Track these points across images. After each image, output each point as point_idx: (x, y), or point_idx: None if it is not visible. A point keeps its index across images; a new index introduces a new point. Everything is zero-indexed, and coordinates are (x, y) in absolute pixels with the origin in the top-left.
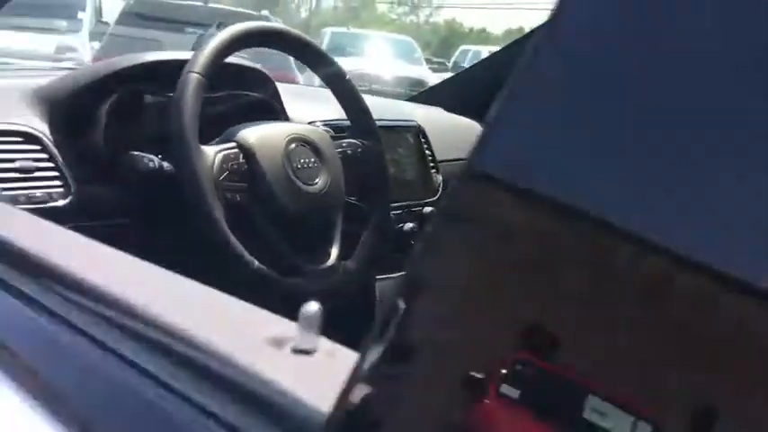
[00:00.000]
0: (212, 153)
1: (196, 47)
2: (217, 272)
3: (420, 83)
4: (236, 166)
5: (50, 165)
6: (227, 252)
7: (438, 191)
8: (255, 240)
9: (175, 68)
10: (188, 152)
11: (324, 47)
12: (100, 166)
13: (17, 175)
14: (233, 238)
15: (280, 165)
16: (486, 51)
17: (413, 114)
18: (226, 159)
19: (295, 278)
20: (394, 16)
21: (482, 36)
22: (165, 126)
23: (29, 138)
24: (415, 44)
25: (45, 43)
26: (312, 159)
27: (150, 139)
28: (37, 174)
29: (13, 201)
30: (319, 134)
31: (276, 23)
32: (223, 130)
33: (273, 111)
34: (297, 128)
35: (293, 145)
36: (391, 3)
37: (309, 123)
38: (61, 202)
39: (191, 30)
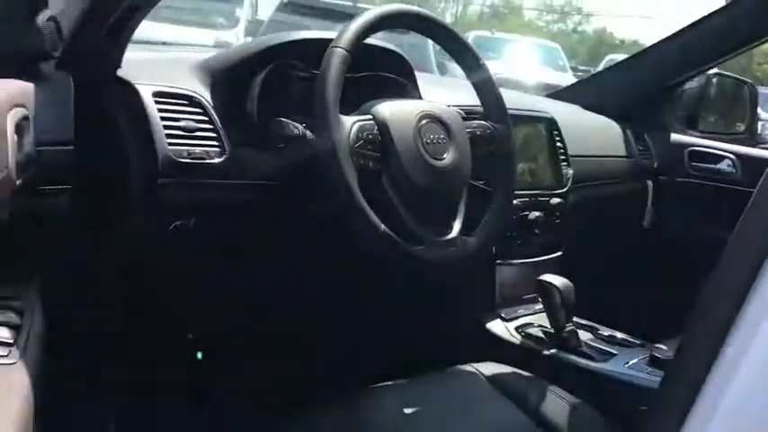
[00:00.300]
0: (350, 122)
1: None
2: (347, 233)
3: None
4: (370, 137)
5: (209, 126)
6: (356, 214)
7: (567, 184)
8: (382, 206)
9: (321, 46)
10: (328, 119)
11: None
12: (251, 131)
13: (181, 132)
14: (363, 202)
15: (410, 138)
16: None
17: (549, 108)
18: (361, 129)
19: (417, 246)
20: (541, 23)
21: (633, 48)
22: (309, 97)
23: (193, 101)
24: (560, 50)
25: (203, 38)
26: (441, 136)
27: (296, 109)
28: (197, 133)
29: (177, 154)
30: (450, 113)
31: (418, 8)
32: (360, 105)
33: (409, 93)
34: (429, 105)
35: (424, 121)
36: (539, 10)
37: None
38: (216, 161)
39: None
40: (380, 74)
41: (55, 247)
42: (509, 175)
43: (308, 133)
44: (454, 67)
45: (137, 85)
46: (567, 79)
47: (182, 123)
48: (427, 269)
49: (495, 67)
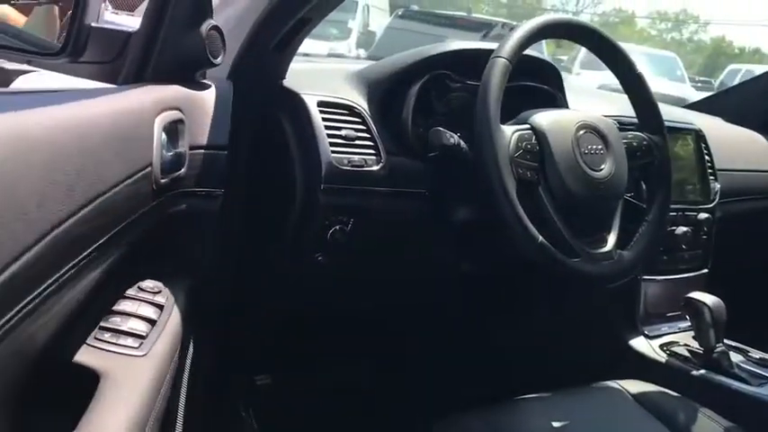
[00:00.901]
0: (509, 132)
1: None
2: (500, 242)
3: (682, 101)
4: (529, 146)
5: (367, 135)
6: (515, 225)
7: (715, 198)
8: (538, 217)
9: (477, 56)
10: (490, 129)
11: (578, 61)
12: (406, 140)
13: (342, 141)
14: (522, 212)
15: (569, 148)
16: (760, 71)
17: (692, 120)
18: (520, 139)
19: (572, 258)
20: (654, 32)
21: (755, 57)
22: (466, 108)
23: (353, 111)
24: (678, 60)
25: (317, 48)
26: (599, 146)
27: (449, 119)
28: (357, 142)
29: (338, 162)
30: (607, 124)
31: (577, 18)
32: (513, 114)
33: (558, 103)
34: (587, 116)
35: (582, 131)
36: (652, 18)
37: None
38: (374, 168)
39: (466, 30)
40: (532, 84)
41: (207, 249)
42: (665, 188)
43: (463, 143)
44: (565, 77)
45: (303, 95)
46: (685, 90)
47: (343, 132)
48: (582, 282)
49: (612, 78)
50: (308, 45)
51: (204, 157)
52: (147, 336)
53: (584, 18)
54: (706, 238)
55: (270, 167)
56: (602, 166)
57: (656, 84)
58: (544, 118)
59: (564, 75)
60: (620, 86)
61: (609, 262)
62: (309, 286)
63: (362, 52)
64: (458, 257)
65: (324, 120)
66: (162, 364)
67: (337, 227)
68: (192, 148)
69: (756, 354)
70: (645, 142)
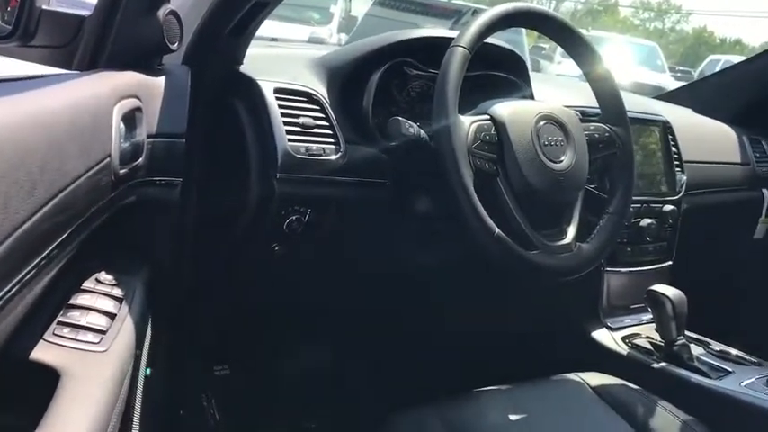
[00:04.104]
0: (468, 123)
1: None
2: (459, 234)
3: (661, 91)
4: (487, 137)
5: (326, 124)
6: (471, 217)
7: (681, 190)
8: (496, 209)
9: (439, 44)
10: (448, 119)
11: (559, 49)
12: (366, 129)
13: (300, 129)
14: (478, 204)
15: (528, 139)
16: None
17: (661, 111)
18: (479, 129)
19: (530, 251)
20: (637, 21)
21: (735, 48)
22: (426, 97)
23: (311, 98)
24: (659, 50)
25: (298, 33)
26: (560, 138)
27: (411, 108)
28: (315, 130)
29: (295, 150)
30: (568, 115)
31: (538, 6)
32: (475, 104)
33: (522, 93)
34: (547, 106)
35: (543, 122)
36: (635, 8)
37: None
38: (332, 157)
39: (441, 18)
40: (495, 73)
41: (164, 239)
42: (627, 180)
43: (423, 132)
44: (545, 66)
45: (259, 82)
46: (665, 80)
47: (300, 120)
48: (539, 274)
49: None
50: (288, 30)
51: (162, 145)
52: (107, 330)
53: (567, 6)
54: (671, 230)
55: (226, 156)
56: (562, 158)
57: (636, 73)
58: (504, 108)
59: (545, 63)
60: None
61: (567, 254)
62: (266, 277)
63: (344, 37)
64: (418, 249)
65: (281, 107)
66: (123, 358)
67: (294, 217)
68: (149, 136)
69: (717, 346)
70: (607, 134)
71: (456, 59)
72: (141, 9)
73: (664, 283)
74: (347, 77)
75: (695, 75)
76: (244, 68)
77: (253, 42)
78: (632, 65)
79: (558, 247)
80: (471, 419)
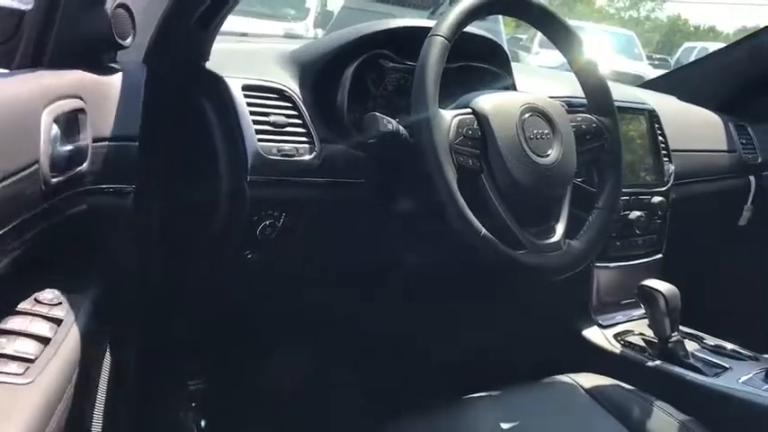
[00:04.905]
0: (449, 117)
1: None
2: (444, 233)
3: (640, 79)
4: (470, 132)
5: (299, 122)
6: (455, 216)
7: (669, 181)
8: (481, 207)
9: (416, 35)
10: (428, 114)
11: (536, 39)
12: (342, 126)
13: (271, 128)
14: (463, 203)
15: (513, 133)
16: (714, 49)
17: (646, 99)
18: (461, 124)
19: (518, 250)
20: (612, 11)
21: (709, 35)
22: (404, 91)
23: (283, 95)
24: (636, 39)
25: (273, 29)
26: (545, 131)
27: (388, 102)
28: (287, 129)
29: (266, 151)
30: (554, 106)
31: None
32: (455, 97)
33: (505, 84)
34: (532, 98)
35: (527, 114)
36: None
37: None
38: (306, 157)
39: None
40: (475, 64)
41: (120, 250)
42: (616, 173)
43: (401, 128)
44: (523, 57)
45: (226, 78)
46: (643, 68)
47: (271, 118)
48: (528, 275)
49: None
50: (262, 27)
51: (111, 150)
52: (35, 359)
53: None
54: (660, 222)
55: (192, 158)
56: (549, 152)
57: (615, 61)
58: (487, 101)
59: (523, 54)
60: None
61: (557, 253)
62: (240, 284)
63: (321, 32)
64: (401, 249)
65: (250, 105)
66: (52, 389)
67: (267, 222)
68: (96, 140)
69: (711, 341)
70: (594, 125)
71: (435, 50)
72: (86, 2)
73: (654, 277)
74: (320, 72)
75: (672, 62)
76: (210, 65)
77: (220, 37)
78: (610, 54)
79: (547, 246)
80: (463, 429)
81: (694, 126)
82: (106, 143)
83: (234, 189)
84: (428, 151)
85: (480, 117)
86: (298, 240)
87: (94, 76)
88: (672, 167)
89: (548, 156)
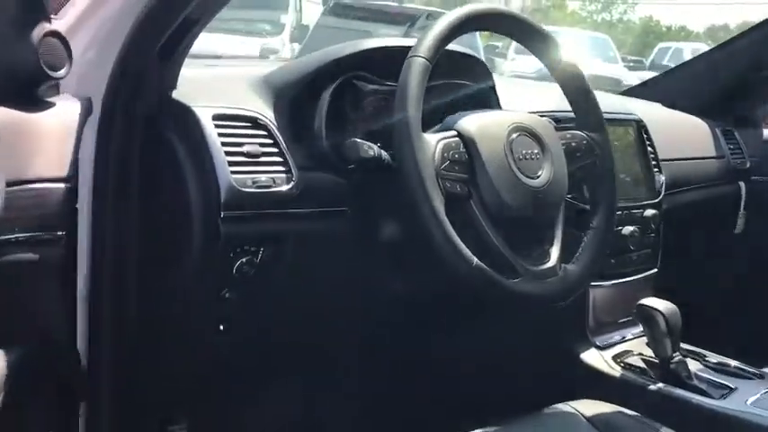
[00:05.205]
0: (434, 141)
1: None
2: (433, 266)
3: (617, 82)
4: (456, 156)
5: (275, 150)
6: (445, 246)
7: (660, 192)
8: (471, 234)
9: (395, 55)
10: (411, 139)
11: (512, 46)
12: (321, 153)
13: (245, 159)
14: (453, 232)
15: (501, 155)
16: (688, 49)
17: (632, 109)
18: (446, 148)
19: (512, 278)
20: (585, 14)
21: (681, 35)
22: (384, 113)
23: (256, 123)
24: (611, 41)
25: (250, 45)
26: (535, 150)
27: (369, 127)
28: (262, 159)
29: (241, 183)
30: (542, 124)
31: (502, 7)
32: (438, 118)
33: (488, 101)
34: (519, 117)
35: (515, 134)
36: (582, 1)
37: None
38: (284, 188)
39: (394, 24)
40: (457, 81)
41: (53, 305)
42: (609, 190)
43: (384, 153)
44: (499, 63)
45: (194, 108)
46: (619, 71)
47: (245, 148)
48: (525, 304)
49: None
50: (239, 43)
51: (33, 194)
52: None
53: (516, 4)
54: (654, 235)
55: (159, 197)
56: (540, 173)
57: (591, 65)
58: (472, 122)
59: (499, 61)
60: None
61: (553, 279)
62: (218, 324)
63: (297, 47)
64: (388, 279)
65: (221, 135)
66: None
67: (245, 259)
68: (11, 184)
69: (713, 358)
70: (584, 141)
71: (415, 71)
72: (9, 31)
73: (650, 293)
74: (295, 97)
75: (647, 63)
76: (177, 94)
77: (189, 62)
78: (586, 57)
79: (543, 272)
80: None
81: (681, 133)
82: (28, 186)
83: (207, 226)
84: (413, 178)
85: (466, 140)
86: (278, 276)
87: (14, 112)
88: (662, 178)
89: (538, 177)
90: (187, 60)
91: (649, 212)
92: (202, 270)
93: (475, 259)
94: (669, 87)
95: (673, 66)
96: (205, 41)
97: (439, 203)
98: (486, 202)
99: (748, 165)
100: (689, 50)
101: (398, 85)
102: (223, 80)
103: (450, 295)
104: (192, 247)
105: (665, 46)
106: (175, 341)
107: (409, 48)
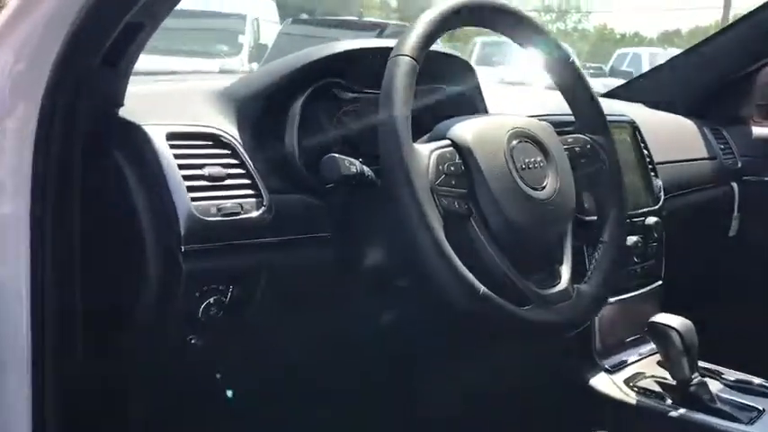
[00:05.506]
0: (426, 152)
1: None
2: (430, 295)
3: None
4: (452, 168)
5: (241, 171)
6: (446, 273)
7: (660, 198)
8: (472, 257)
9: (375, 59)
10: (401, 150)
11: (474, 57)
12: (294, 173)
13: (207, 183)
14: (454, 257)
15: (502, 165)
16: (646, 54)
17: (617, 110)
18: (441, 159)
19: (522, 306)
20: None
21: (635, 41)
22: (365, 124)
23: (219, 142)
24: (570, 50)
25: (208, 67)
26: (538, 158)
27: (348, 141)
28: (227, 182)
29: (203, 212)
30: (543, 128)
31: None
32: (424, 128)
33: (476, 107)
34: (517, 121)
35: (515, 141)
36: (537, 11)
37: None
38: (254, 214)
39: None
40: (440, 86)
41: None
42: (619, 198)
43: (367, 169)
44: None
45: (146, 127)
46: None
47: (206, 171)
48: (538, 334)
49: (506, 73)
50: (197, 64)
51: None
52: None
53: None
54: (657, 245)
55: (107, 231)
56: (545, 183)
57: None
58: (467, 129)
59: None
60: (517, 80)
61: (567, 303)
62: (185, 372)
63: (256, 66)
64: (377, 309)
65: (178, 157)
66: None
67: (211, 299)
68: None
69: (731, 375)
70: (588, 145)
71: (402, 73)
72: None
73: (657, 307)
74: (262, 110)
75: (607, 69)
76: (125, 111)
77: (139, 78)
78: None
79: (555, 296)
80: None
81: (672, 134)
82: None
83: (165, 264)
84: (405, 197)
85: (462, 149)
86: (252, 315)
87: None
88: (660, 183)
89: (544, 188)
90: (138, 78)
91: (651, 220)
92: (160, 315)
93: (482, 287)
94: (650, 88)
95: (633, 71)
96: (159, 63)
97: (437, 224)
98: (487, 219)
99: (740, 164)
100: (647, 55)
101: (382, 90)
102: (178, 95)
103: (447, 325)
104: (147, 289)
105: (624, 52)
106: (131, 399)
107: (390, 49)
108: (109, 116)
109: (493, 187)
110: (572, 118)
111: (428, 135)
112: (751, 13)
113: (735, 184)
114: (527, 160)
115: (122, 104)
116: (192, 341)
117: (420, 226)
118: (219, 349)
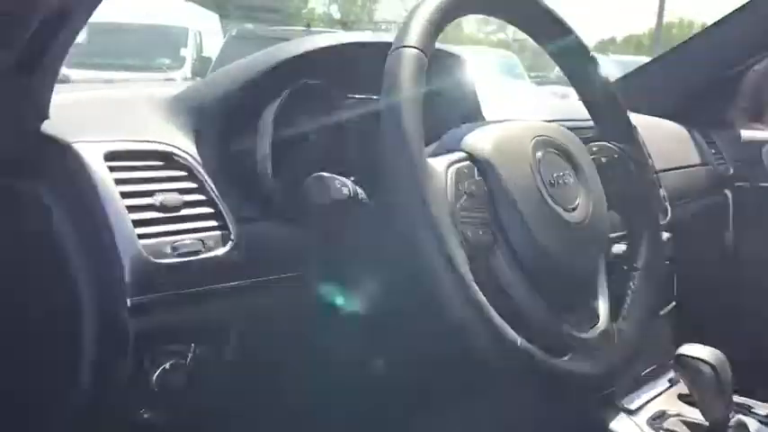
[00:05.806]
0: (442, 168)
1: None
2: (454, 354)
3: None
4: (473, 187)
5: (201, 198)
6: (476, 322)
7: (667, 210)
8: (498, 295)
9: (365, 55)
10: (414, 170)
11: None
12: (267, 196)
13: (158, 214)
14: (486, 303)
15: (530, 181)
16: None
17: None
18: (459, 177)
19: (561, 356)
20: (481, 35)
21: None
22: (352, 135)
23: (171, 161)
24: (517, 59)
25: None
26: (567, 172)
27: (335, 156)
28: (184, 212)
29: (154, 252)
30: (567, 136)
31: None
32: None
33: (472, 110)
34: (540, 127)
35: (541, 152)
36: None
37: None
38: (219, 251)
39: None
40: (438, 87)
41: None
42: (654, 216)
43: (360, 191)
44: None
45: (76, 145)
46: (527, 86)
47: (158, 199)
48: (582, 389)
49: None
50: (141, 79)
51: None
52: None
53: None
54: (668, 262)
55: (29, 288)
56: (576, 202)
57: (500, 82)
58: (485, 139)
59: None
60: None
61: (610, 348)
62: None
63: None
64: (366, 357)
65: (119, 182)
66: None
67: (167, 364)
68: None
69: (762, 409)
70: (616, 155)
71: (409, 67)
72: None
73: (672, 332)
74: (225, 120)
75: (552, 77)
76: (50, 126)
77: (70, 86)
78: (495, 76)
79: (596, 340)
80: None
81: (665, 140)
82: None
83: (105, 323)
84: (419, 227)
85: (482, 164)
86: (222, 378)
87: None
88: (664, 192)
89: (576, 208)
90: (67, 86)
91: (665, 236)
92: (102, 391)
93: (519, 338)
94: (634, 90)
95: None
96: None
97: (463, 262)
98: (515, 248)
99: (731, 171)
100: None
101: (384, 92)
102: (118, 104)
103: (441, 364)
104: (83, 356)
105: None
106: None
107: (386, 44)
108: (28, 134)
109: (521, 208)
110: (588, 123)
111: (435, 145)
112: (732, 13)
113: (728, 192)
114: (555, 175)
115: (47, 117)
116: (146, 416)
117: (440, 265)
118: (182, 424)
